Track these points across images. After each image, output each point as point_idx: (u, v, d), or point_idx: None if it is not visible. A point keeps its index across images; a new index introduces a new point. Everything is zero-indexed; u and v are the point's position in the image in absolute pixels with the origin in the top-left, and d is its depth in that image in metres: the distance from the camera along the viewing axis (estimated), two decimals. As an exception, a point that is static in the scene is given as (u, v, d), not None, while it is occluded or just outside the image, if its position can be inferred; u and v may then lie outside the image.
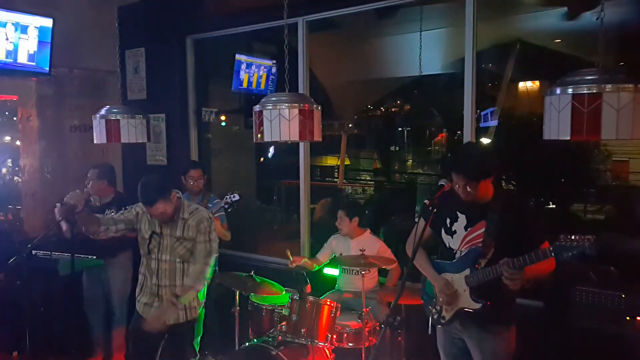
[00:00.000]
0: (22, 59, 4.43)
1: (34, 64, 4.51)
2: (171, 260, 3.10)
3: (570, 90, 2.10)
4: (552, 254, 2.32)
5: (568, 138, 2.12)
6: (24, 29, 4.38)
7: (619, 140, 2.08)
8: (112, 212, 3.99)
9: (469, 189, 2.56)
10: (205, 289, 3.29)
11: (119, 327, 4.39)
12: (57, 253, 4.00)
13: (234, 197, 4.03)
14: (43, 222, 5.30)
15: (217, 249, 3.17)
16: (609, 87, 2.04)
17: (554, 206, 6.79)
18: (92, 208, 3.37)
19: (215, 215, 4.11)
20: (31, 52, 4.48)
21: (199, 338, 3.27)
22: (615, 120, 2.03)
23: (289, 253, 4.04)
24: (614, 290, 2.93)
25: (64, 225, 3.76)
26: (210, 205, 4.27)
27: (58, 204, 3.24)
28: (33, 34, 4.45)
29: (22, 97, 5.52)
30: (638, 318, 2.89)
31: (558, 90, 2.15)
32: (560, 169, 6.44)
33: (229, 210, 4.15)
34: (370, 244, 3.98)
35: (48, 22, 4.51)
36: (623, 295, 2.89)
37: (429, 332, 2.91)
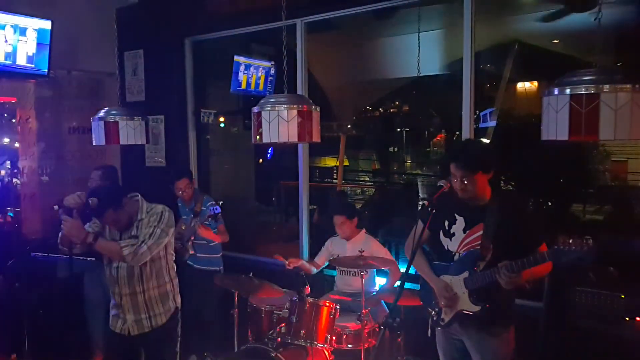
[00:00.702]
0: (21, 61, 4.43)
1: (32, 65, 4.51)
2: (128, 266, 2.93)
3: (568, 91, 2.10)
4: (550, 258, 2.33)
5: (566, 138, 2.12)
6: (22, 31, 4.38)
7: (617, 140, 2.08)
8: None
9: (466, 182, 2.55)
10: (179, 298, 3.17)
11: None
12: (55, 255, 3.99)
13: (216, 209, 3.99)
14: (42, 224, 5.30)
15: (161, 238, 2.89)
16: (606, 87, 2.03)
17: (552, 206, 6.80)
18: (93, 210, 3.34)
19: (203, 223, 4.11)
20: (30, 54, 4.48)
21: (177, 347, 3.18)
22: (613, 120, 2.02)
23: (280, 257, 4.02)
24: (614, 291, 2.93)
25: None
26: (204, 208, 4.26)
27: (56, 206, 3.22)
28: (32, 36, 4.45)
29: (21, 99, 5.52)
30: (637, 319, 2.89)
31: (556, 91, 2.15)
32: (558, 170, 6.44)
33: (215, 221, 4.11)
34: (367, 244, 3.97)
35: (47, 24, 4.51)
36: (622, 296, 2.89)
37: (429, 335, 2.91)
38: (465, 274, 2.64)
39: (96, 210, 2.90)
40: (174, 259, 3.16)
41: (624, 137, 2.05)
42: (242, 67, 5.24)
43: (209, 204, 4.25)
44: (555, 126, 2.15)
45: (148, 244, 2.85)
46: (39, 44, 4.50)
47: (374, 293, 4.00)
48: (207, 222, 4.12)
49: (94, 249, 2.85)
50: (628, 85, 2.03)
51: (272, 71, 5.53)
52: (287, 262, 4.01)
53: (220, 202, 4.04)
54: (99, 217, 2.95)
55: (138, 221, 2.95)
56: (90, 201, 3.07)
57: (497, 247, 2.55)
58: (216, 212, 3.97)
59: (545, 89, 2.24)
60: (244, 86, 5.31)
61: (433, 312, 2.83)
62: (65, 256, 3.74)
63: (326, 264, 4.23)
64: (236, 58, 5.18)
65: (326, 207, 6.22)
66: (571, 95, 2.09)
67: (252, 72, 5.34)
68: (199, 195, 4.43)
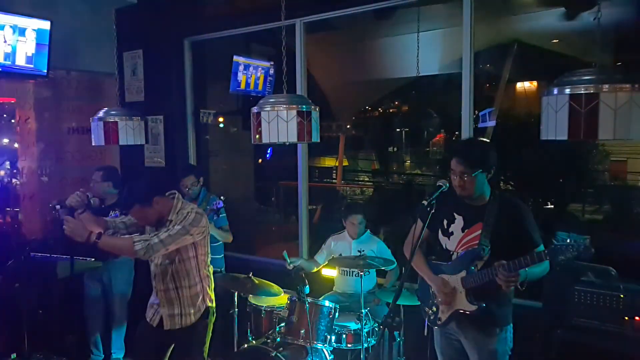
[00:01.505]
0: (20, 61, 4.43)
1: (31, 66, 4.51)
2: (162, 264, 2.99)
3: (567, 91, 2.11)
4: (547, 257, 2.33)
5: (565, 138, 2.12)
6: (21, 32, 4.38)
7: (616, 140, 2.08)
8: (116, 212, 4.00)
9: (465, 179, 2.55)
10: (210, 299, 3.16)
11: (119, 328, 4.40)
12: (56, 255, 3.99)
13: (218, 204, 3.99)
14: (41, 224, 5.30)
15: (179, 234, 2.82)
16: (606, 87, 2.04)
17: (551, 206, 6.81)
18: (95, 210, 3.35)
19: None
20: (29, 54, 4.47)
21: (205, 347, 3.19)
22: (613, 120, 2.03)
23: (285, 255, 4.02)
24: (613, 290, 2.93)
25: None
26: (209, 207, 4.27)
27: (58, 206, 3.22)
28: (31, 36, 4.45)
29: (20, 100, 5.53)
30: (637, 318, 2.89)
31: (555, 91, 2.15)
32: (558, 169, 6.45)
33: (217, 215, 4.12)
34: (370, 244, 3.98)
35: (46, 25, 4.51)
36: (621, 296, 2.90)
37: (425, 334, 2.91)
38: (463, 273, 2.64)
39: (124, 202, 2.89)
40: (207, 260, 3.12)
41: (623, 136, 2.05)
42: (241, 67, 5.23)
43: (215, 202, 4.26)
44: (555, 126, 2.15)
45: (161, 237, 2.80)
46: (38, 45, 4.50)
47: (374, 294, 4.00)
48: (209, 218, 4.12)
49: (99, 249, 2.81)
50: (627, 85, 2.04)
51: (271, 71, 5.53)
52: (287, 263, 4.00)
53: (222, 198, 4.04)
54: (125, 210, 2.95)
55: (169, 222, 2.93)
56: (92, 201, 3.07)
57: (495, 247, 2.55)
58: (218, 206, 3.98)
59: (544, 88, 2.25)
60: (243, 86, 5.30)
61: (430, 312, 2.83)
62: (65, 256, 3.77)
63: (325, 263, 4.23)
64: (235, 58, 5.18)
65: (330, 206, 6.24)
66: (570, 95, 2.09)
67: (251, 72, 5.33)
68: (206, 195, 4.44)
